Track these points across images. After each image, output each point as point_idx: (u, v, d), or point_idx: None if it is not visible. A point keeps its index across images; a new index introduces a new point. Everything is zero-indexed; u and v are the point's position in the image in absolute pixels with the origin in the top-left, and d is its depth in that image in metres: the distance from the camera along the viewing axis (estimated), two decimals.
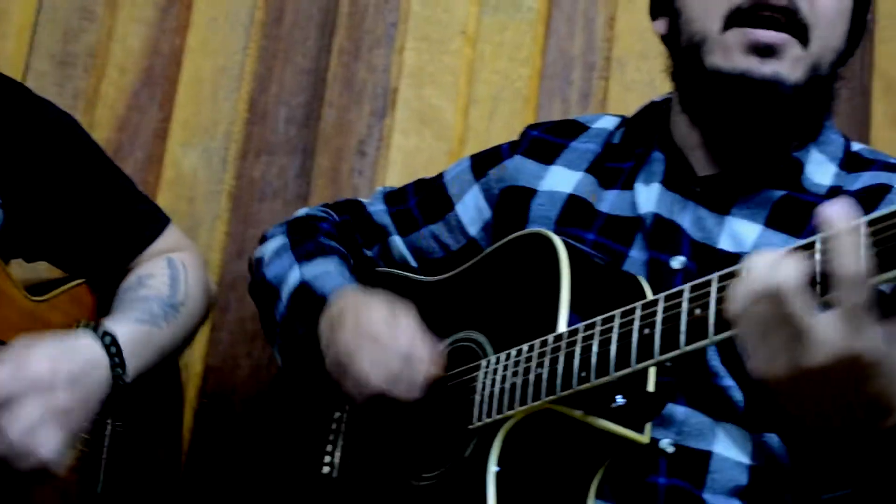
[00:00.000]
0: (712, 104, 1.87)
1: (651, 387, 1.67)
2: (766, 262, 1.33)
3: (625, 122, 2.13)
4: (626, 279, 1.82)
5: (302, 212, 2.33)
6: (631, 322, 1.54)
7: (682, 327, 1.47)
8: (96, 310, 2.19)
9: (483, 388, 1.75)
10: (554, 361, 1.63)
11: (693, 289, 1.48)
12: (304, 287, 2.05)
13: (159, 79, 2.94)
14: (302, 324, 2.03)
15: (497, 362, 1.75)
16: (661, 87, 2.02)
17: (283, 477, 2.07)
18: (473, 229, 2.17)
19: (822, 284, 1.28)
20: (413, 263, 2.23)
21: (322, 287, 2.03)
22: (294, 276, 2.09)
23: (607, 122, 2.16)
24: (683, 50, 1.91)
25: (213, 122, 2.87)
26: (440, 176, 2.27)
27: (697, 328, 1.45)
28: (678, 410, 1.75)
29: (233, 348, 2.74)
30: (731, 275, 1.43)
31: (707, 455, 1.73)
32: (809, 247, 1.31)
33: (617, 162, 2.04)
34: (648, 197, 1.93)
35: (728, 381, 1.75)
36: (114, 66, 2.95)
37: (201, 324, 2.25)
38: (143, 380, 2.03)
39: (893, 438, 1.37)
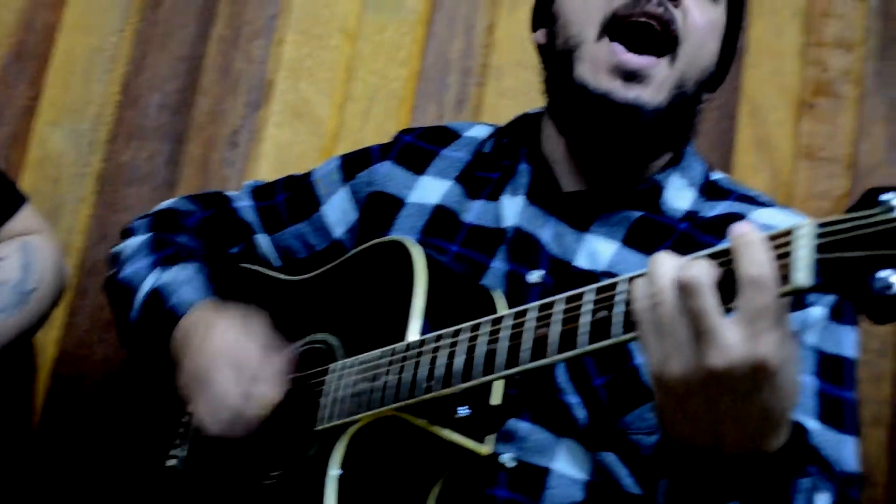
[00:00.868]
0: (576, 117, 1.89)
1: (496, 400, 1.68)
2: (675, 261, 1.32)
3: (497, 131, 2.13)
4: (481, 292, 1.83)
5: (167, 204, 2.29)
6: (477, 336, 1.55)
7: (527, 345, 1.48)
8: None
9: (331, 392, 1.74)
10: (401, 370, 1.63)
11: (540, 308, 1.49)
12: (155, 295, 2.00)
13: (31, 55, 2.89)
14: (152, 334, 1.98)
15: (347, 367, 1.74)
16: (537, 96, 2.03)
17: (130, 465, 2.05)
18: (339, 231, 2.15)
19: (726, 291, 1.28)
20: (277, 263, 2.21)
21: (174, 299, 1.97)
22: (148, 283, 2.03)
23: (479, 131, 2.16)
24: (557, 55, 1.92)
25: (83, 102, 2.84)
26: (309, 174, 2.24)
27: (541, 346, 1.46)
28: (522, 426, 1.76)
29: (88, 334, 2.70)
30: (578, 296, 1.44)
31: (545, 471, 1.75)
32: (716, 255, 1.31)
33: (485, 171, 2.04)
34: (513, 209, 1.94)
35: (573, 398, 1.76)
36: None
37: (53, 308, 2.22)
38: None
39: (771, 467, 1.38)
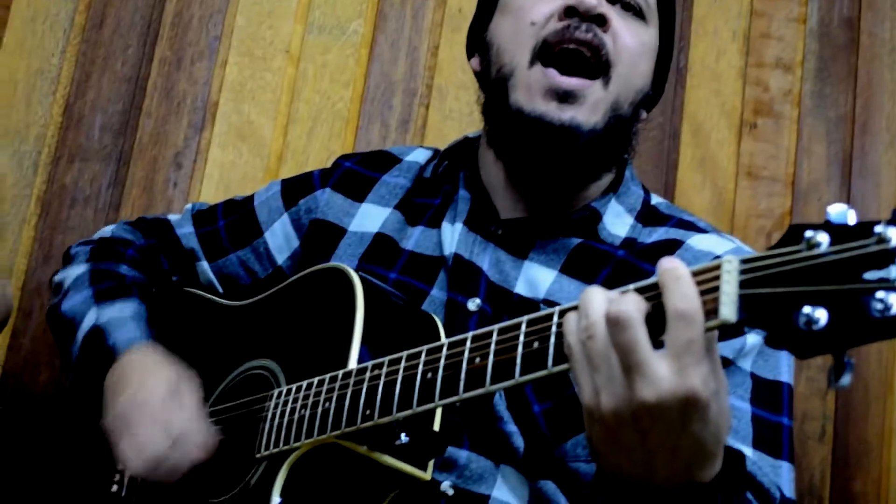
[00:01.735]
0: (513, 142, 1.90)
1: (436, 426, 1.68)
2: (605, 295, 1.33)
3: (436, 155, 2.13)
4: (422, 318, 1.83)
5: (108, 231, 2.28)
6: (416, 366, 1.55)
7: (462, 375, 1.48)
8: None
9: (272, 418, 1.74)
10: (341, 397, 1.63)
11: (475, 339, 1.49)
12: (96, 332, 1.99)
13: None
14: (90, 371, 1.97)
15: (287, 394, 1.74)
16: (480, 118, 2.04)
17: (73, 489, 2.04)
18: (281, 258, 2.15)
19: (655, 325, 1.29)
20: (219, 289, 2.20)
21: (114, 338, 1.96)
22: (90, 319, 2.02)
23: (419, 156, 2.16)
24: (493, 83, 1.93)
25: (25, 124, 2.82)
26: (251, 199, 2.24)
27: (476, 377, 1.46)
28: (461, 454, 1.77)
29: (34, 356, 2.68)
30: (511, 328, 1.44)
31: (485, 499, 1.76)
32: (645, 290, 1.32)
33: (426, 198, 2.05)
34: (452, 237, 1.94)
35: (511, 427, 1.77)
36: None
37: None
38: None
39: (706, 497, 1.38)
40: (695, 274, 1.27)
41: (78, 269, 2.15)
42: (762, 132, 2.72)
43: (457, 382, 1.48)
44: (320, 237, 2.08)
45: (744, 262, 1.24)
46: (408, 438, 1.61)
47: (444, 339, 1.59)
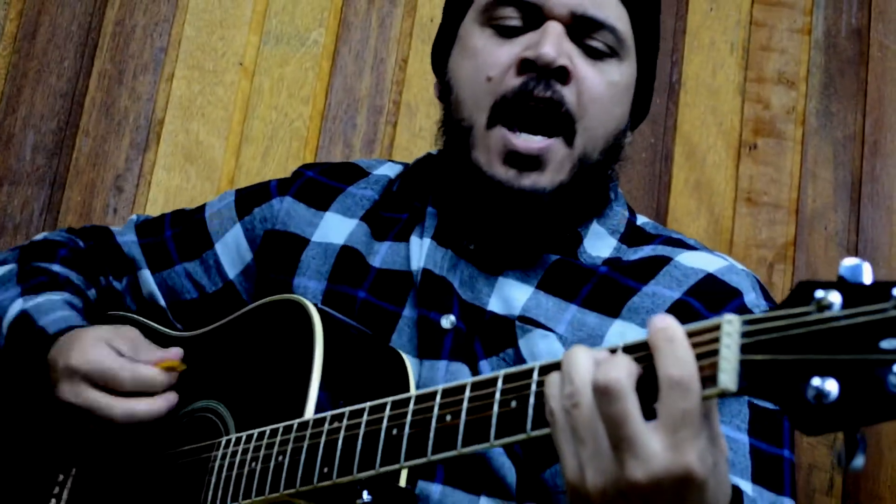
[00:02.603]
0: (472, 195, 1.89)
1: (402, 481, 1.64)
2: (592, 359, 1.29)
3: (406, 170, 2.12)
4: (388, 357, 1.80)
5: (40, 236, 2.24)
6: (380, 420, 1.51)
7: (431, 433, 1.45)
8: None
9: (219, 470, 1.70)
10: (296, 451, 1.59)
11: (445, 393, 1.45)
12: (24, 318, 1.97)
13: None
14: (21, 357, 1.94)
15: (237, 443, 1.70)
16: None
17: None
18: (232, 272, 2.13)
19: (647, 390, 1.25)
20: (162, 302, 2.17)
21: (44, 320, 1.95)
22: (15, 308, 2.00)
23: (389, 170, 2.15)
24: (453, 132, 1.93)
25: None
26: (201, 209, 2.22)
27: (446, 436, 1.43)
28: (434, 490, 1.74)
29: None
30: (488, 382, 1.41)
31: None
32: (636, 349, 1.29)
33: (393, 212, 2.04)
34: (421, 251, 1.93)
35: (489, 454, 1.75)
36: None
37: None
38: None
39: None
40: (691, 334, 1.23)
41: (2, 269, 2.12)
42: (763, 154, 2.68)
43: (425, 442, 1.45)
44: (279, 250, 2.07)
45: (746, 322, 1.20)
46: (370, 497, 1.58)
47: (412, 388, 1.61)
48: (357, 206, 2.07)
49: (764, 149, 2.67)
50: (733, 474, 1.68)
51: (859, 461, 1.12)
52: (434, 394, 1.46)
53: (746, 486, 1.70)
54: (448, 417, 1.43)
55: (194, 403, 1.86)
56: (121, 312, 2.16)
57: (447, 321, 1.84)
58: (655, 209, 2.65)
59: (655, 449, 1.21)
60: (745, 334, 1.19)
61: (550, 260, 1.90)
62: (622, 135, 1.95)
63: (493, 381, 1.40)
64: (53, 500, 1.93)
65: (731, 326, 1.20)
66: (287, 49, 2.79)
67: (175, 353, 1.86)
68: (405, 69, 2.77)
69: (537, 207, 1.84)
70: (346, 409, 1.56)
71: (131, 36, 2.81)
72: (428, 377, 1.78)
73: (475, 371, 1.80)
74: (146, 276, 2.17)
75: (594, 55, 1.88)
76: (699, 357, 1.21)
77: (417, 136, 2.72)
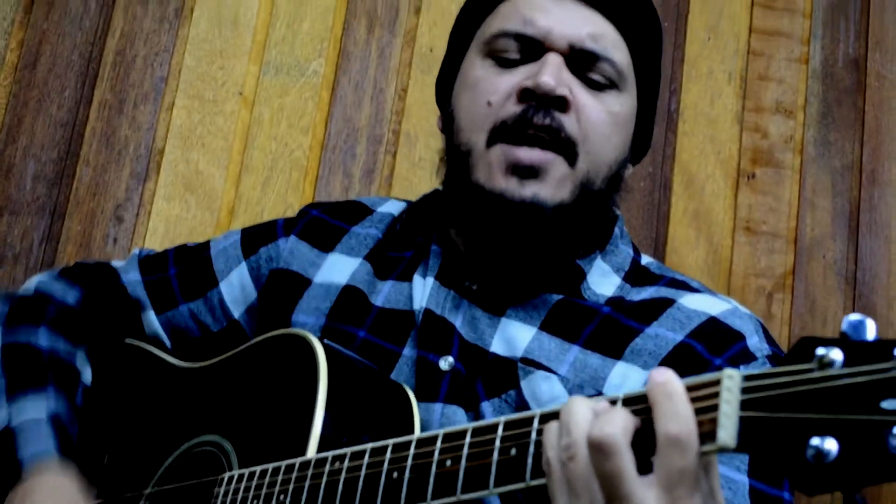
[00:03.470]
0: (475, 217, 1.89)
1: None
2: (590, 411, 1.29)
3: (410, 207, 2.12)
4: (393, 392, 1.79)
5: (33, 284, 2.21)
6: (381, 462, 1.51)
7: (431, 478, 1.44)
8: None
9: None
10: (298, 491, 1.58)
11: (446, 437, 1.45)
12: (7, 436, 1.92)
13: None
14: None
15: (239, 480, 1.69)
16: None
17: None
18: (237, 311, 2.12)
19: (644, 444, 1.25)
20: (167, 343, 2.16)
21: (23, 451, 1.89)
22: (1, 418, 1.95)
23: (393, 207, 2.15)
24: (453, 157, 1.94)
25: None
26: (206, 246, 2.21)
27: (446, 482, 1.42)
28: None
29: None
30: (488, 429, 1.41)
31: None
32: (634, 401, 1.28)
33: (397, 251, 2.04)
34: (423, 292, 1.93)
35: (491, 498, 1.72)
36: None
37: None
38: None
39: None
40: (690, 388, 1.23)
41: None
42: (761, 183, 2.69)
43: (425, 486, 1.45)
44: (281, 288, 2.06)
45: (747, 378, 1.20)
46: None
47: (416, 425, 1.61)
48: (361, 246, 2.07)
49: (762, 178, 2.67)
50: None
51: None
52: (435, 438, 1.46)
53: None
54: (448, 462, 1.43)
55: (198, 437, 1.85)
56: (135, 342, 2.15)
57: (445, 363, 1.84)
58: (654, 238, 2.65)
59: None
60: (745, 390, 1.18)
61: (553, 300, 1.89)
62: (623, 165, 1.95)
63: (494, 428, 1.39)
64: None
65: (731, 381, 1.19)
66: (287, 79, 2.79)
67: None
68: (405, 99, 2.77)
69: (539, 221, 1.82)
70: (348, 451, 1.55)
71: (132, 66, 2.80)
72: (424, 419, 1.78)
73: (476, 413, 1.79)
74: (150, 317, 2.16)
75: (593, 86, 1.89)
76: (698, 412, 1.21)
77: (417, 166, 2.71)
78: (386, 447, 1.51)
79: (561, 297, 1.90)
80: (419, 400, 1.79)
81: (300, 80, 2.78)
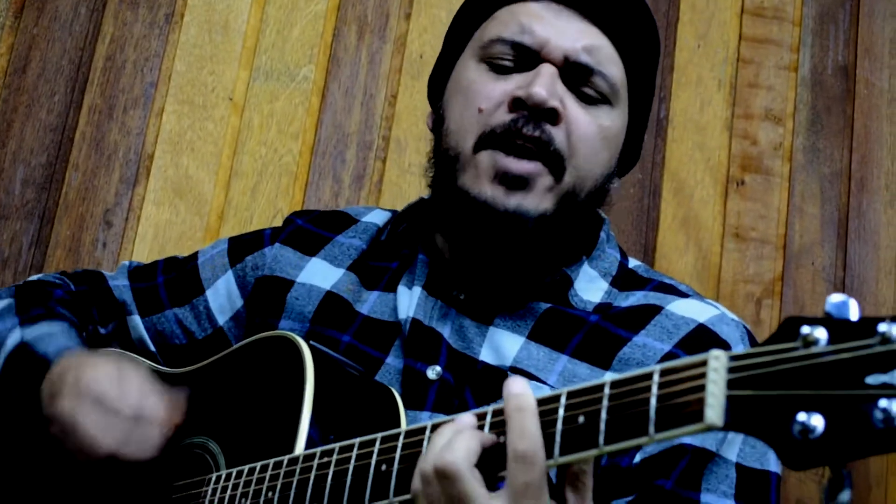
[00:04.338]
0: (459, 222, 1.90)
1: None
2: (445, 436, 1.37)
3: (394, 217, 2.12)
4: (379, 393, 1.80)
5: (34, 277, 2.23)
6: (370, 454, 1.51)
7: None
8: None
9: None
10: (286, 487, 1.59)
11: (435, 427, 1.45)
12: (23, 348, 1.95)
13: None
14: (18, 387, 1.92)
15: (227, 479, 1.70)
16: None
17: None
18: (222, 319, 2.12)
19: (494, 460, 1.34)
20: (151, 347, 2.16)
21: (45, 348, 1.92)
22: (14, 338, 1.98)
23: (377, 217, 2.15)
24: (441, 161, 1.94)
25: None
26: (194, 256, 2.21)
27: None
28: None
29: None
30: (479, 417, 1.42)
31: None
32: (493, 414, 1.37)
33: (381, 261, 2.04)
34: (410, 301, 1.92)
35: None
36: None
37: None
38: None
39: None
40: (679, 369, 1.25)
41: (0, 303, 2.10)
42: (750, 190, 2.69)
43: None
44: (267, 295, 2.07)
45: (733, 358, 1.21)
46: None
47: (403, 424, 1.62)
48: (344, 256, 2.08)
49: (751, 185, 2.68)
50: None
51: (845, 496, 1.13)
52: (423, 429, 1.47)
53: None
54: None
55: (187, 439, 1.85)
56: (118, 350, 2.13)
57: (433, 372, 1.84)
58: (643, 245, 2.65)
59: None
60: (731, 370, 1.20)
61: (541, 309, 1.90)
62: (609, 179, 1.96)
63: (483, 416, 1.41)
64: None
65: (717, 362, 1.21)
66: (277, 85, 2.79)
67: None
68: (395, 105, 2.77)
69: (521, 233, 1.83)
70: (336, 445, 1.56)
71: (121, 71, 2.80)
72: None
73: None
74: (136, 321, 2.17)
75: (586, 100, 1.89)
76: (686, 392, 1.22)
77: (407, 172, 2.71)
78: (374, 440, 1.52)
79: (549, 305, 1.90)
80: (406, 408, 1.79)
81: (290, 86, 2.79)
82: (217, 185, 2.73)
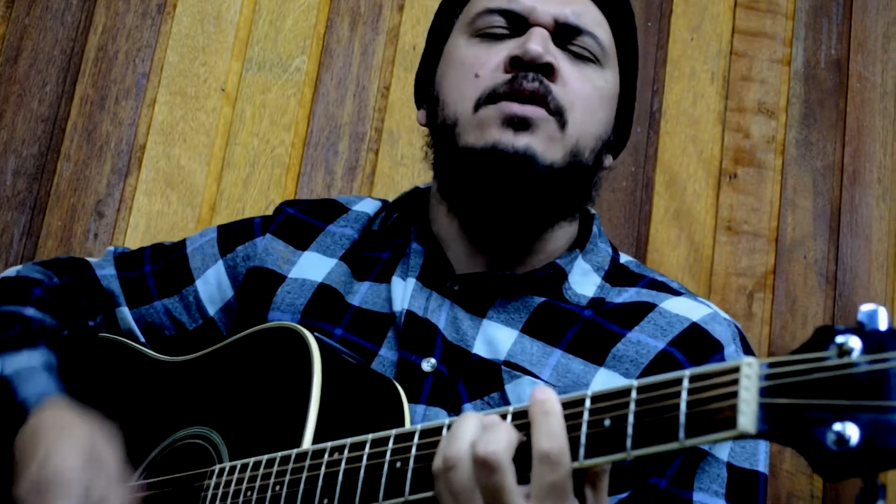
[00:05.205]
0: (465, 183, 1.88)
1: None
2: (477, 426, 1.38)
3: (386, 207, 2.12)
4: (382, 386, 1.78)
5: (13, 271, 2.17)
6: (383, 453, 1.50)
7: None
8: None
9: (213, 499, 1.68)
10: (294, 482, 1.57)
11: (451, 426, 1.44)
12: (3, 385, 1.89)
13: None
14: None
15: (231, 472, 1.67)
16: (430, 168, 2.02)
17: None
18: (212, 309, 2.10)
19: (524, 459, 1.34)
20: (141, 338, 2.13)
21: (24, 392, 1.86)
22: None
23: (368, 206, 2.14)
24: (439, 132, 1.94)
25: None
26: (182, 244, 2.19)
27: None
28: None
29: None
30: (505, 416, 1.42)
31: None
32: (519, 416, 1.37)
33: (373, 251, 2.03)
34: (403, 292, 1.92)
35: None
36: None
37: None
38: None
39: None
40: (709, 375, 1.25)
41: None
42: (743, 183, 2.70)
43: (430, 476, 1.45)
44: (258, 286, 2.05)
45: (767, 365, 1.22)
46: None
47: (407, 418, 1.63)
48: (336, 246, 2.06)
49: (744, 178, 2.69)
50: None
51: None
52: (440, 428, 1.46)
53: None
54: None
55: (183, 430, 1.83)
56: (112, 336, 2.12)
57: (428, 364, 1.83)
58: (636, 238, 2.66)
59: None
60: (764, 377, 1.20)
61: (535, 302, 1.89)
62: (607, 145, 1.97)
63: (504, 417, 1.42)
64: None
65: (750, 369, 1.21)
66: (269, 76, 2.78)
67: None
68: (387, 96, 2.76)
69: (531, 178, 1.82)
70: (347, 441, 1.55)
71: (113, 61, 2.79)
72: None
73: (458, 415, 1.77)
74: (124, 312, 2.14)
75: (578, 57, 1.91)
76: (718, 398, 1.23)
77: (399, 164, 2.71)
78: (388, 437, 1.51)
79: (543, 299, 1.90)
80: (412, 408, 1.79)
81: (283, 77, 2.78)
82: (209, 177, 2.72)
